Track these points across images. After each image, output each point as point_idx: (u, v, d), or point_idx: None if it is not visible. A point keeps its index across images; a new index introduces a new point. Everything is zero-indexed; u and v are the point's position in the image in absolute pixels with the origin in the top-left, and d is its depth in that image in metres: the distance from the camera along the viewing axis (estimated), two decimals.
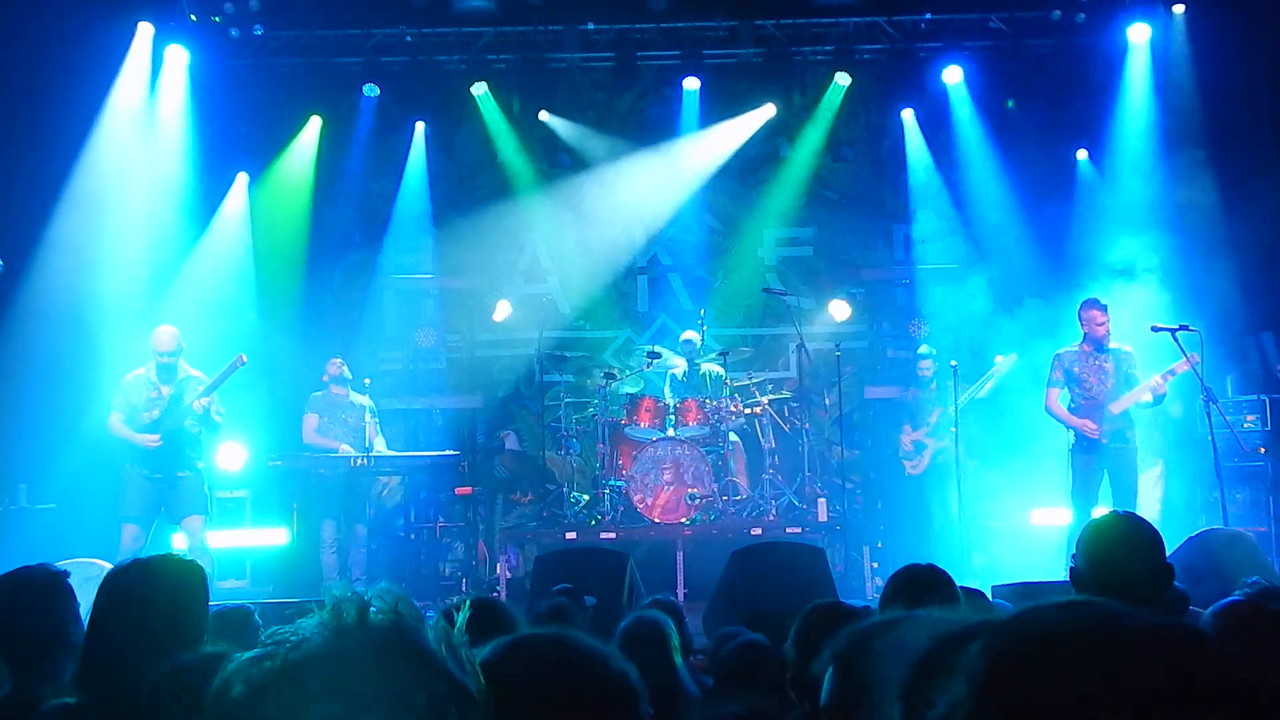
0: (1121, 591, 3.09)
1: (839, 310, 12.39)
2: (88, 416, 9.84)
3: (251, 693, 1.18)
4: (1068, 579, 3.45)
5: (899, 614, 2.11)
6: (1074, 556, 3.34)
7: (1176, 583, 4.44)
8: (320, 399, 10.90)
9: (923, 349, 12.02)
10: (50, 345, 10.33)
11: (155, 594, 2.86)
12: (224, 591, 10.41)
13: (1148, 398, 9.46)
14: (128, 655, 2.70)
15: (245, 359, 9.65)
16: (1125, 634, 1.06)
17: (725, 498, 10.89)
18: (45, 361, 10.30)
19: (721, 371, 11.58)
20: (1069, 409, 9.72)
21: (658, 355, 11.58)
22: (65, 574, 3.39)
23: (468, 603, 1.66)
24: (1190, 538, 7.73)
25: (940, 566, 3.76)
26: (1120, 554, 3.26)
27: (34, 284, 10.45)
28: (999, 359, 11.21)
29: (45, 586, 3.32)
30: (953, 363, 11.05)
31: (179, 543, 9.42)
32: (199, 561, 3.11)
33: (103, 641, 2.81)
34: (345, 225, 12.85)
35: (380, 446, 10.76)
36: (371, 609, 1.23)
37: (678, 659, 3.73)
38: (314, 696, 1.17)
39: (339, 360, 10.97)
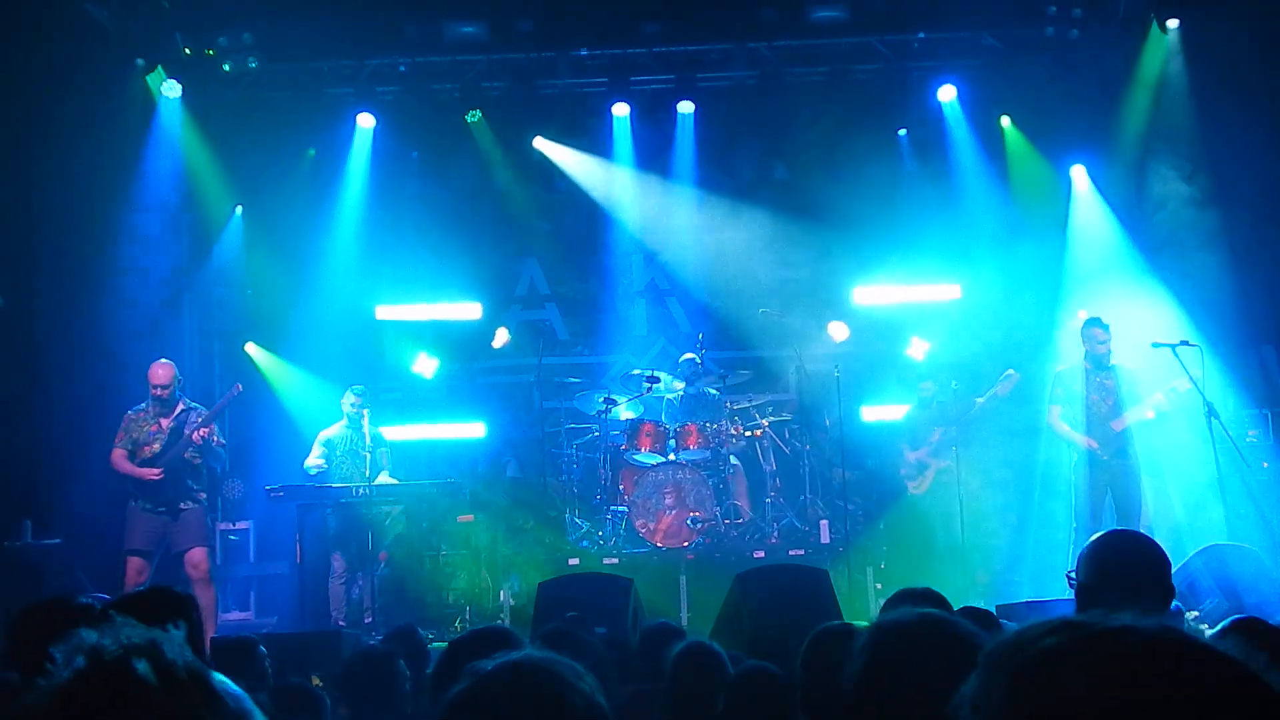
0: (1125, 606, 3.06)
1: (837, 331, 12.38)
2: (92, 451, 9.84)
3: None
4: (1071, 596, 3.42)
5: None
6: (1074, 573, 3.30)
7: (1180, 598, 4.43)
8: (334, 439, 10.85)
9: (922, 369, 12.02)
10: (52, 380, 10.33)
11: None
12: (229, 623, 10.40)
13: (1150, 415, 9.48)
14: None
15: (241, 388, 9.72)
16: (1117, 644, 1.06)
17: (727, 521, 10.87)
18: (48, 396, 10.30)
19: (718, 393, 11.57)
20: (1072, 426, 9.74)
21: (656, 380, 11.56)
22: (93, 606, 3.37)
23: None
24: (1195, 553, 7.73)
25: (936, 590, 3.74)
26: (1124, 571, 3.23)
27: (35, 320, 10.46)
28: (1009, 373, 11.08)
29: (72, 618, 3.30)
30: (953, 383, 11.03)
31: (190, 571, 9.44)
32: (202, 593, 3.09)
33: None
34: (342, 255, 12.83)
35: (382, 476, 10.74)
36: (106, 662, 1.23)
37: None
38: None
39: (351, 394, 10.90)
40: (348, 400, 10.80)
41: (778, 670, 3.64)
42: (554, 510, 11.90)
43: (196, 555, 9.56)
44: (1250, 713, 1.02)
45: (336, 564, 10.57)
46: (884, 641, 2.09)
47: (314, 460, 10.70)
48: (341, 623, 10.25)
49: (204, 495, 9.85)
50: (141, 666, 1.29)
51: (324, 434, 10.86)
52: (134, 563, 9.37)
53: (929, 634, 2.05)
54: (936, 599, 3.61)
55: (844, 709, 2.12)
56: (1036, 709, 1.06)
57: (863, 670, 2.08)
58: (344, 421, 10.85)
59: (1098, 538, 3.36)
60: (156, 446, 9.53)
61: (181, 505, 9.55)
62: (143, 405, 9.67)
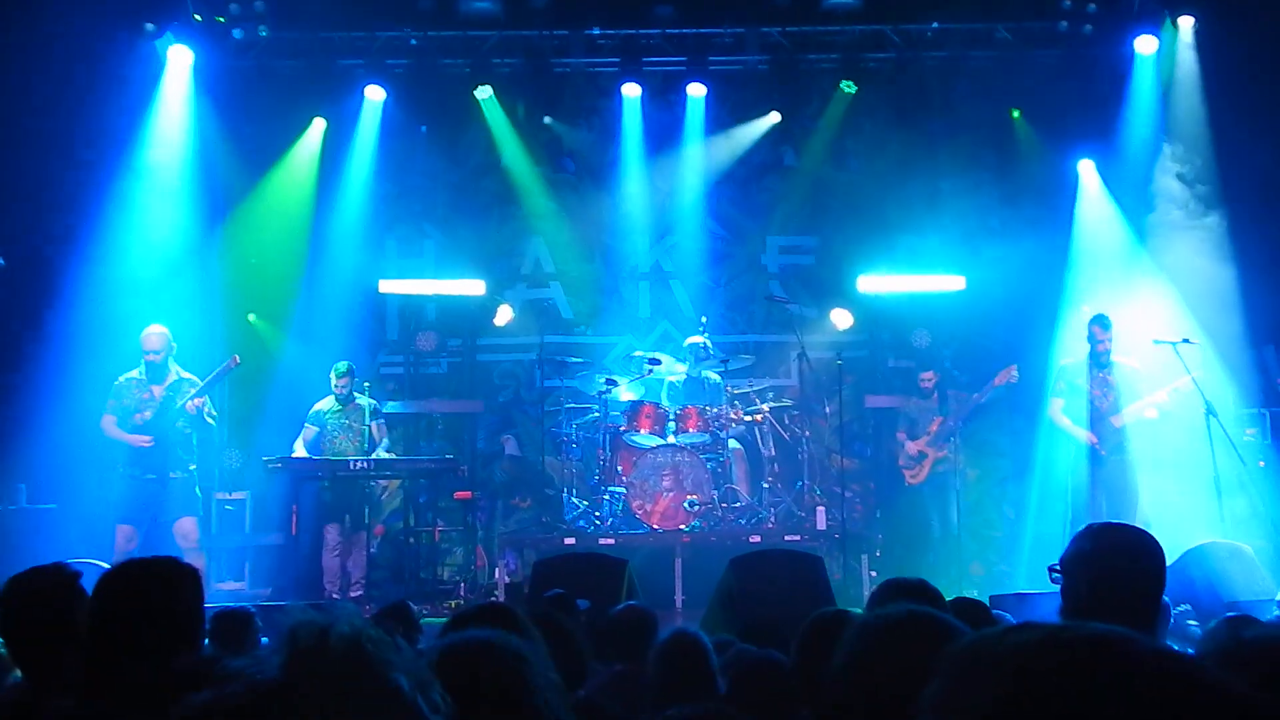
0: (1117, 601, 3.04)
1: (841, 319, 12.38)
2: (88, 417, 9.85)
3: None
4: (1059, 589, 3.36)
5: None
6: (1060, 565, 3.23)
7: (1171, 595, 4.41)
8: (323, 412, 10.85)
9: (924, 359, 12.03)
10: (50, 345, 10.33)
11: (149, 596, 2.83)
12: (222, 593, 10.43)
13: (1152, 414, 9.50)
14: (124, 659, 2.68)
15: (238, 360, 9.71)
16: (1077, 647, 1.07)
17: (724, 505, 10.88)
18: (45, 361, 10.31)
19: (718, 378, 11.57)
20: (1074, 421, 9.76)
21: (658, 362, 11.56)
22: (79, 575, 3.35)
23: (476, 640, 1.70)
24: (1188, 550, 7.75)
25: (929, 580, 3.69)
26: (1115, 563, 3.17)
27: (35, 283, 10.46)
28: (1007, 370, 11.07)
29: (59, 587, 3.29)
30: (955, 373, 11.02)
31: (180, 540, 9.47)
32: (192, 563, 3.08)
33: (99, 644, 2.78)
34: (347, 227, 12.82)
35: (380, 448, 10.73)
36: (333, 640, 1.18)
37: (716, 672, 3.73)
38: None
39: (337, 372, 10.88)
40: (332, 381, 10.78)
41: (783, 658, 3.64)
42: (552, 489, 11.94)
43: (186, 525, 9.60)
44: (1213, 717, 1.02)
45: (330, 537, 10.58)
46: (869, 637, 2.10)
47: (302, 442, 10.67)
48: (335, 595, 10.29)
49: (194, 466, 9.87)
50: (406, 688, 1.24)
51: (316, 407, 10.86)
52: (123, 530, 9.40)
53: (916, 630, 2.05)
54: (929, 592, 3.58)
55: (830, 701, 2.13)
56: (996, 709, 1.06)
57: (847, 664, 2.08)
58: (333, 396, 10.84)
59: (1091, 529, 3.28)
60: (148, 414, 9.53)
61: (172, 474, 9.58)
62: (134, 372, 9.67)
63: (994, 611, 5.07)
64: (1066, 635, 1.09)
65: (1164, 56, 11.92)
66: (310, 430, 10.72)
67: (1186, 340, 9.43)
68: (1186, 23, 11.75)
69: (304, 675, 1.17)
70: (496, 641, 1.74)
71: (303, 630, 1.20)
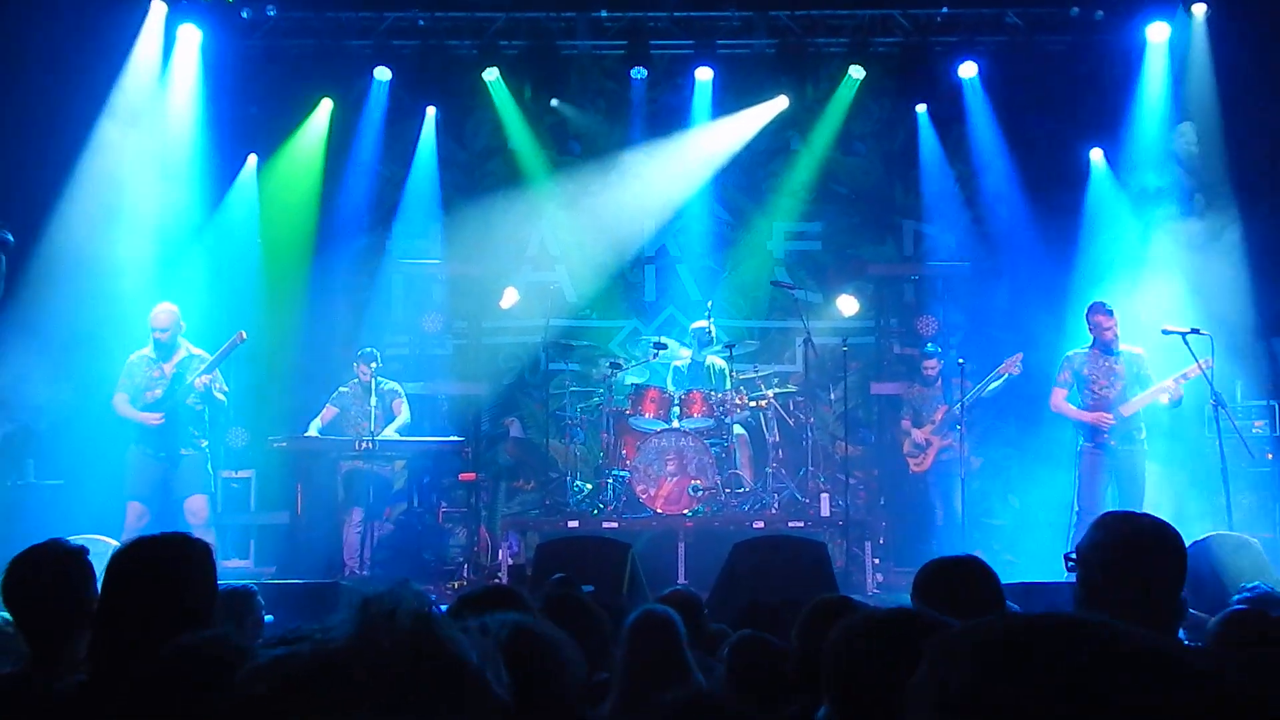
0: (1135, 591, 3.01)
1: (846, 305, 12.36)
2: (95, 392, 9.87)
3: (275, 693, 1.16)
4: (1072, 579, 3.30)
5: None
6: (1076, 554, 3.19)
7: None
8: (347, 394, 10.86)
9: (929, 346, 12.01)
10: (58, 321, 10.33)
11: (162, 572, 2.84)
12: (226, 571, 10.44)
13: (1163, 400, 9.45)
14: (135, 634, 2.67)
15: (245, 335, 9.71)
16: (1062, 635, 1.06)
17: (728, 490, 10.86)
18: (53, 337, 10.31)
19: (725, 365, 11.54)
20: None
21: (664, 346, 11.54)
22: (84, 550, 3.34)
23: (514, 623, 1.65)
24: (1195, 542, 7.72)
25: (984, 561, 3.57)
26: (1136, 554, 3.11)
27: (43, 260, 10.45)
28: (1012, 359, 11.08)
29: (66, 562, 3.28)
30: (960, 360, 11.01)
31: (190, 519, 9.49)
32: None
33: (110, 620, 2.78)
34: (354, 209, 12.81)
35: (393, 425, 10.72)
36: (402, 612, 1.19)
37: (686, 651, 3.69)
38: (341, 701, 1.14)
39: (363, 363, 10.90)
40: (363, 370, 10.77)
41: (783, 643, 3.61)
42: (555, 472, 11.94)
43: (196, 502, 9.62)
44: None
45: (356, 514, 10.61)
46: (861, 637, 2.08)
47: (317, 423, 10.68)
48: (355, 570, 10.32)
49: (205, 443, 9.88)
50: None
51: (341, 389, 10.91)
52: (134, 508, 9.42)
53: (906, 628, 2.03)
54: (979, 569, 3.47)
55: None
56: (969, 692, 1.05)
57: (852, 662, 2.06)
58: (357, 380, 10.86)
59: (1107, 518, 3.21)
60: (159, 392, 9.55)
61: (183, 451, 9.61)
62: (145, 350, 9.68)
63: None
64: (1043, 621, 1.08)
65: (1176, 44, 11.86)
66: (330, 411, 10.74)
67: (1196, 330, 9.39)
68: (1199, 9, 11.69)
69: (374, 643, 1.16)
70: (533, 626, 1.71)
71: (373, 602, 1.19)
